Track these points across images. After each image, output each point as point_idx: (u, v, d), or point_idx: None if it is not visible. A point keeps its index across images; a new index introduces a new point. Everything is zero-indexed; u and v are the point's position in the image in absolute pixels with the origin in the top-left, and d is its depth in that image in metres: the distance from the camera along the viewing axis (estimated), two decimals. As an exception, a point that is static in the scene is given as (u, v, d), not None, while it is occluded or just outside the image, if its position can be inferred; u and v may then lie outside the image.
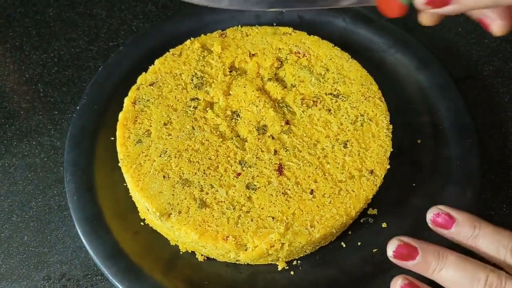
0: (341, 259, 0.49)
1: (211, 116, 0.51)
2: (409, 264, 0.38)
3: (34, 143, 0.58)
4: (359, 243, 0.49)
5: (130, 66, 0.59)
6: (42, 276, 0.50)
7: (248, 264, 0.48)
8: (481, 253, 0.38)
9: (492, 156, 0.57)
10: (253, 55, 0.56)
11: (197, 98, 0.52)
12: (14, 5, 0.70)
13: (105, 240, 0.48)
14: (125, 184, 0.51)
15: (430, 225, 0.40)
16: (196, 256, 0.48)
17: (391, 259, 0.38)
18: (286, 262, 0.48)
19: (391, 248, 0.38)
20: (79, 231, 0.48)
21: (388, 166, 0.49)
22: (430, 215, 0.39)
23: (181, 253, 0.49)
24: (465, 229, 0.38)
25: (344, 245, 0.49)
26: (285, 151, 0.49)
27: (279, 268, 0.48)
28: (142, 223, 0.50)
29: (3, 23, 0.68)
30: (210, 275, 0.48)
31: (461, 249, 0.39)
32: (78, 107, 0.55)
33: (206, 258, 0.48)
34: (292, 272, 0.48)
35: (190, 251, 0.49)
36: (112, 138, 0.53)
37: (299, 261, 0.49)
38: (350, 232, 0.50)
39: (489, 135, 0.59)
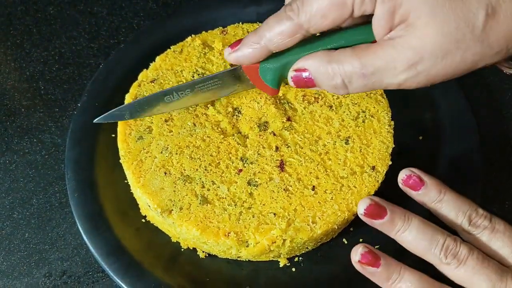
0: (342, 255, 0.49)
1: (212, 113, 0.51)
2: (376, 223, 0.40)
3: (35, 140, 0.58)
4: (360, 240, 0.49)
5: (130, 63, 0.59)
6: (43, 273, 0.50)
7: (249, 260, 0.48)
8: (441, 217, 0.41)
9: (494, 153, 0.57)
10: (254, 52, 0.56)
11: (198, 95, 0.52)
12: (14, 3, 0.70)
13: (106, 237, 0.48)
14: (125, 181, 0.51)
15: (400, 185, 0.42)
16: (197, 253, 0.48)
17: (361, 216, 0.40)
18: (287, 258, 0.48)
19: (363, 206, 0.40)
20: (80, 228, 0.48)
21: (390, 162, 0.49)
22: (402, 175, 0.42)
23: (182, 250, 0.49)
24: (432, 192, 0.41)
25: (345, 242, 0.49)
26: (287, 147, 0.49)
27: (281, 264, 0.48)
28: (143, 220, 0.50)
29: (4, 21, 0.68)
30: (211, 271, 0.48)
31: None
32: (79, 105, 0.56)
33: (207, 255, 0.48)
34: (293, 269, 0.48)
35: (191, 248, 0.48)
36: (113, 135, 0.53)
37: (300, 258, 0.49)
38: (351, 229, 0.50)
39: (491, 132, 0.58)
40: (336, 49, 0.38)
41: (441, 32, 0.34)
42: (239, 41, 0.41)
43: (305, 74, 0.39)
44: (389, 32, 0.36)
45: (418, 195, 0.42)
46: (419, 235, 0.39)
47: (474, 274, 0.38)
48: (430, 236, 0.39)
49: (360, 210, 0.40)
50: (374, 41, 0.37)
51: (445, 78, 0.37)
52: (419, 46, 0.35)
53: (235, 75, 0.45)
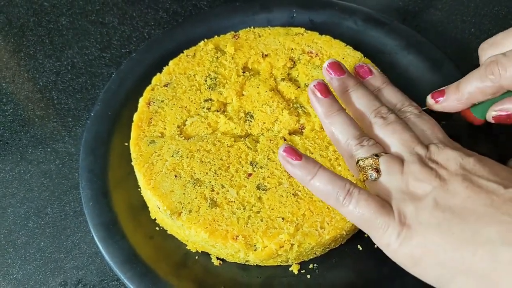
0: (357, 262, 0.48)
1: (224, 121, 0.51)
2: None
3: (49, 150, 0.59)
4: (375, 246, 0.48)
5: (142, 72, 0.59)
6: (58, 282, 0.50)
7: (264, 267, 0.48)
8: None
9: (507, 157, 0.56)
10: (266, 55, 0.56)
11: (210, 99, 0.53)
12: (27, 14, 0.71)
13: (121, 245, 0.48)
14: (139, 189, 0.51)
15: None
16: (212, 261, 0.48)
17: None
18: (302, 265, 0.48)
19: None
20: (94, 236, 0.48)
21: (402, 167, 0.48)
22: (356, 65, 0.49)
23: (196, 257, 0.48)
24: (377, 82, 0.48)
25: (360, 248, 0.49)
26: (297, 152, 0.49)
27: (295, 271, 0.47)
28: (157, 228, 0.50)
29: (17, 33, 0.69)
30: (226, 279, 0.47)
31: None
32: (92, 114, 0.56)
33: (221, 262, 0.48)
34: (308, 276, 0.48)
35: (200, 251, 0.48)
36: (126, 144, 0.53)
37: (315, 265, 0.48)
38: (366, 235, 0.49)
39: (504, 135, 0.58)
40: None
41: None
42: (440, 93, 0.47)
43: (507, 114, 0.43)
44: None
45: (366, 81, 0.48)
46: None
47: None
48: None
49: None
50: None
51: None
52: None
53: None
